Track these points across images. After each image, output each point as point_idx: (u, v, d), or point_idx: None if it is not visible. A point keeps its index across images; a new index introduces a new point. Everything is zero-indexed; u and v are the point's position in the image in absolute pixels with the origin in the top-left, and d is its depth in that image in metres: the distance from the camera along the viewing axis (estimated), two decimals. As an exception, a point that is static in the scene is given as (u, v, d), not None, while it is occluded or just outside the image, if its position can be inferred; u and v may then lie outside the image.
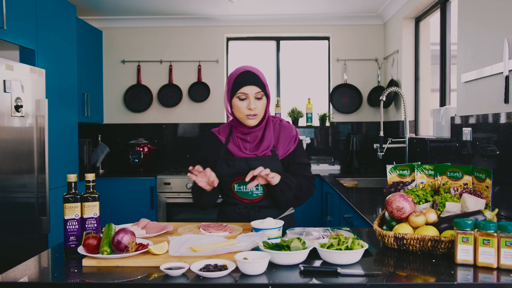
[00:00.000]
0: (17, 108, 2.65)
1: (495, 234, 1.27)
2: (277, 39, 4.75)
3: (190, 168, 1.77)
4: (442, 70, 3.31)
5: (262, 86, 1.80)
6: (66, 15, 3.51)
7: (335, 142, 4.65)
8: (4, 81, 2.54)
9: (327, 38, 4.73)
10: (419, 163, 1.76)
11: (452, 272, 1.24)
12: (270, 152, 1.84)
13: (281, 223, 1.60)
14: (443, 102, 3.31)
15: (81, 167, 4.10)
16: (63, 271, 1.32)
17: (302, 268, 1.25)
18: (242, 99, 1.80)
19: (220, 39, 4.66)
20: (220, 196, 1.99)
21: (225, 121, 4.66)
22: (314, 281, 1.18)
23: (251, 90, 1.78)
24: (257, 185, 1.83)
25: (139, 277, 1.22)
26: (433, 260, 1.34)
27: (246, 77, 1.79)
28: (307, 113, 4.55)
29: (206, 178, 1.78)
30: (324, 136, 4.64)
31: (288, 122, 1.95)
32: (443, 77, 3.30)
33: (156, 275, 1.23)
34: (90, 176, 1.51)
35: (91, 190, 1.51)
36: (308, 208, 3.91)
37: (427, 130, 3.74)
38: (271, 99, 1.90)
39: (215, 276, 1.18)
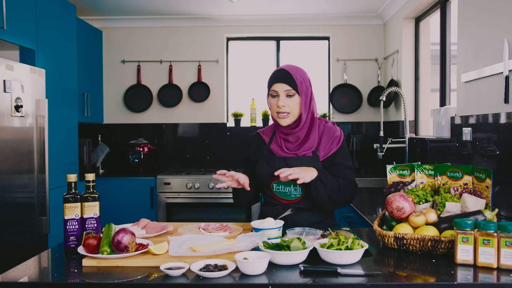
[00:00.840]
0: (17, 108, 2.65)
1: (495, 234, 1.27)
2: (277, 39, 4.75)
3: (214, 176, 1.78)
4: (442, 70, 3.31)
5: (293, 83, 1.76)
6: (66, 15, 3.51)
7: (335, 142, 4.64)
8: (4, 81, 2.54)
9: (327, 38, 4.73)
10: (419, 163, 1.76)
11: (452, 272, 1.24)
12: (311, 153, 1.81)
13: (281, 223, 1.60)
14: (443, 102, 3.31)
15: (81, 167, 4.10)
16: (63, 271, 1.32)
17: (302, 268, 1.25)
18: (274, 96, 1.80)
19: (220, 39, 4.66)
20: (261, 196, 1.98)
21: (225, 121, 4.67)
22: (314, 281, 1.18)
23: (280, 87, 1.77)
24: (296, 186, 1.81)
25: (139, 277, 1.22)
26: (433, 260, 1.34)
27: (277, 75, 1.79)
28: (307, 113, 4.54)
29: (234, 180, 1.77)
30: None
31: (333, 123, 1.91)
32: (443, 77, 3.30)
33: (156, 275, 1.23)
34: (90, 176, 1.51)
35: (91, 190, 1.51)
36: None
37: (427, 130, 3.74)
38: (312, 99, 1.83)
39: (215, 276, 1.18)
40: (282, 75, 1.78)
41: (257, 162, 1.89)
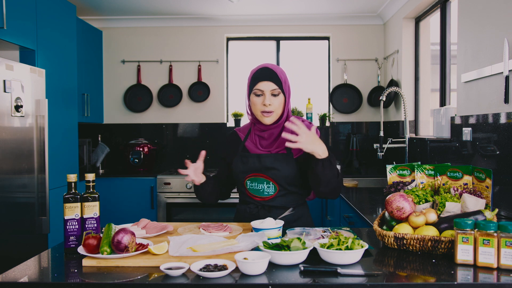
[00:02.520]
0: (17, 108, 2.65)
1: (495, 234, 1.27)
2: (277, 39, 4.75)
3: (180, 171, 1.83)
4: (442, 70, 3.31)
5: (279, 82, 1.76)
6: (66, 15, 3.51)
7: (335, 142, 4.65)
8: (4, 81, 2.54)
9: (327, 38, 4.73)
10: (419, 163, 1.76)
11: (452, 272, 1.24)
12: (285, 150, 1.80)
13: (281, 223, 1.60)
14: (443, 102, 3.31)
15: (81, 167, 4.10)
16: (63, 271, 1.32)
17: (302, 268, 1.24)
18: (258, 95, 1.78)
19: (220, 39, 4.66)
20: (237, 196, 1.99)
21: (225, 121, 4.67)
22: (314, 281, 1.18)
23: (266, 86, 1.76)
24: (269, 184, 1.81)
25: (139, 277, 1.22)
26: (433, 260, 1.34)
27: (262, 73, 1.78)
28: (307, 113, 4.55)
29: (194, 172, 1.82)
30: (324, 136, 4.64)
31: (310, 122, 1.89)
32: (443, 77, 3.30)
33: (156, 275, 1.23)
34: (90, 176, 1.51)
35: (91, 190, 1.51)
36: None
37: (427, 130, 3.74)
38: (290, 98, 1.84)
39: (215, 276, 1.18)
40: (268, 74, 1.76)
41: (232, 159, 1.90)
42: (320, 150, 1.63)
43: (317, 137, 1.66)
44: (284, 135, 1.62)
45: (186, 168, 1.82)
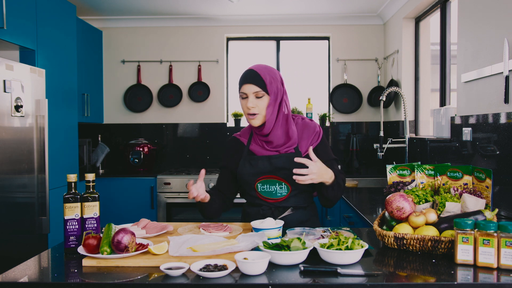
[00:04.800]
0: (17, 108, 2.65)
1: (495, 234, 1.27)
2: (277, 39, 4.75)
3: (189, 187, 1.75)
4: (442, 70, 3.31)
5: (262, 84, 1.73)
6: (66, 15, 3.51)
7: (335, 142, 4.65)
8: (4, 81, 2.54)
9: (327, 38, 4.73)
10: (419, 163, 1.76)
11: (452, 272, 1.24)
12: (293, 149, 1.80)
13: (281, 223, 1.60)
14: (443, 102, 3.31)
15: (81, 167, 4.10)
16: (63, 271, 1.32)
17: (302, 268, 1.24)
18: (244, 98, 1.78)
19: (220, 39, 4.66)
20: (240, 197, 1.98)
21: (225, 121, 4.66)
22: (314, 281, 1.18)
23: (249, 89, 1.74)
24: (281, 185, 1.80)
25: (139, 277, 1.22)
26: (433, 260, 1.34)
27: (246, 76, 1.77)
28: (307, 113, 4.55)
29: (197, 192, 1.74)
30: (324, 136, 4.63)
31: (311, 119, 1.91)
32: (443, 77, 3.30)
33: (156, 275, 1.23)
34: (90, 176, 1.51)
35: (91, 190, 1.51)
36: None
37: (427, 130, 3.74)
38: (283, 98, 1.80)
39: (215, 276, 1.18)
40: (250, 76, 1.75)
41: (237, 164, 1.86)
42: (328, 177, 1.68)
43: (323, 165, 1.67)
44: (296, 171, 1.61)
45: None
